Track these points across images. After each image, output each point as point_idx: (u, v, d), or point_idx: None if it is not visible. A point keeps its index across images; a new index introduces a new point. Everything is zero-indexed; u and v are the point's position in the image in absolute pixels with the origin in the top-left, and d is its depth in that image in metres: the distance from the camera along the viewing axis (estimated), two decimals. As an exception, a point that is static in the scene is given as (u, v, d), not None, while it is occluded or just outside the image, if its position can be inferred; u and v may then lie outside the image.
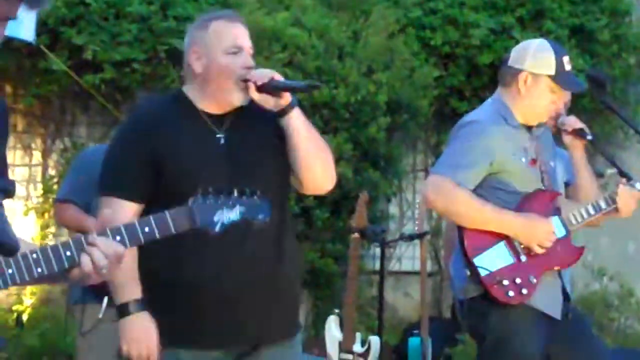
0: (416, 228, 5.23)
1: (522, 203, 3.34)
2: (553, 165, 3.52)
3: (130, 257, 2.46)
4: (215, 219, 1.95)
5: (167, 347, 2.66)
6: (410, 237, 5.08)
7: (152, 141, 2.55)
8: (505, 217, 3.31)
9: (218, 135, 2.59)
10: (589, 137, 3.59)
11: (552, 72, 3.26)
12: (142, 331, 2.59)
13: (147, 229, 1.82)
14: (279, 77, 2.56)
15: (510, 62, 3.35)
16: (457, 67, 6.78)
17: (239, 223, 2.03)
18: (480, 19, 6.64)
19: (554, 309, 3.44)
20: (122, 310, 2.57)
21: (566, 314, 3.51)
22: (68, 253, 1.74)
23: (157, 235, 1.86)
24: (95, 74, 5.81)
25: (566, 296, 3.56)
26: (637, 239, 7.38)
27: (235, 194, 1.98)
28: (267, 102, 2.57)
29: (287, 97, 2.57)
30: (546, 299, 3.48)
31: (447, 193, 3.15)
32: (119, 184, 2.51)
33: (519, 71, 3.28)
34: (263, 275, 2.63)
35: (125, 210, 2.35)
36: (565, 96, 3.57)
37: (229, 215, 1.96)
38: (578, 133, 3.57)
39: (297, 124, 2.61)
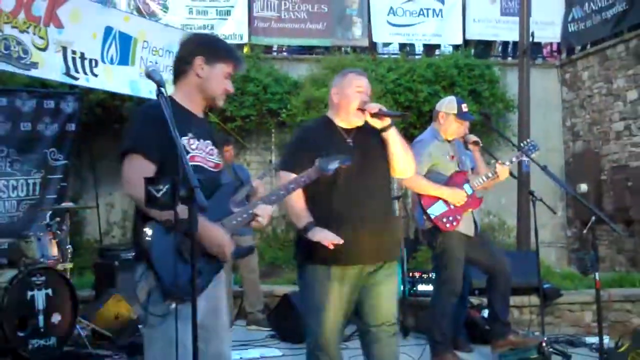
0: (396, 193, 7.74)
1: (449, 179, 5.08)
2: (463, 159, 5.19)
3: (300, 197, 3.46)
4: (328, 167, 3.14)
5: (321, 265, 3.49)
6: (395, 198, 6.60)
7: (311, 141, 3.51)
8: (441, 189, 4.99)
9: (348, 140, 3.58)
10: (481, 144, 5.38)
11: (456, 111, 5.06)
12: (323, 233, 3.43)
13: (291, 186, 3.08)
14: (383, 108, 3.50)
15: (436, 108, 5.12)
16: (413, 113, 9.66)
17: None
18: (424, 87, 9.92)
19: (470, 231, 5.12)
20: (305, 230, 3.47)
21: (477, 234, 5.21)
22: (250, 211, 2.90)
23: (306, 182, 3.06)
24: (231, 122, 10.07)
25: (476, 225, 5.22)
26: (506, 195, 9.33)
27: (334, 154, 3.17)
28: (375, 123, 3.54)
29: (387, 121, 3.52)
30: (466, 226, 5.13)
31: (413, 177, 4.17)
32: (292, 165, 3.45)
33: (439, 112, 5.08)
34: (383, 219, 3.56)
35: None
36: (466, 125, 5.22)
37: (334, 164, 3.15)
38: (475, 142, 5.35)
39: (393, 137, 3.56)
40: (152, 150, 2.78)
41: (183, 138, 2.81)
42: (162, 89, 2.77)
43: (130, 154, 2.80)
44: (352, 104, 3.54)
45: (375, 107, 3.50)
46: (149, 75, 2.83)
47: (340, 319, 3.55)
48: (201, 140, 2.94)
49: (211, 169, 2.97)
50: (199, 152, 2.91)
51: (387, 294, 3.61)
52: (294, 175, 3.23)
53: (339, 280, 3.49)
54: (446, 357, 5.25)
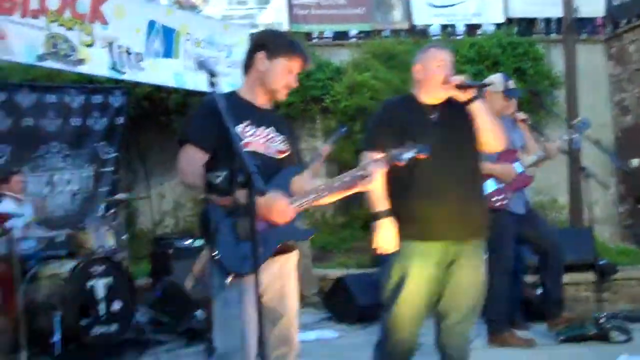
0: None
1: (498, 158, 4.95)
2: (512, 137, 5.02)
3: (379, 181, 3.29)
4: (402, 156, 3.10)
5: (403, 240, 3.42)
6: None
7: (393, 118, 3.49)
8: (492, 166, 4.88)
9: (432, 116, 3.52)
10: (529, 122, 5.39)
11: (502, 88, 5.09)
12: (388, 229, 3.41)
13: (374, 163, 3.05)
14: (467, 80, 3.41)
15: (488, 88, 4.87)
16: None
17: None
18: (467, 67, 9.64)
19: (521, 210, 5.15)
20: (376, 217, 3.45)
21: (527, 212, 5.21)
22: (359, 173, 3.01)
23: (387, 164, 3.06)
24: (276, 110, 10.15)
25: (526, 203, 5.25)
26: (557, 173, 8.76)
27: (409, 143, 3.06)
28: (460, 96, 3.44)
29: (472, 92, 3.41)
30: (516, 204, 5.15)
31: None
32: (376, 144, 3.40)
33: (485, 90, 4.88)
34: (468, 197, 3.48)
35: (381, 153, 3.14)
36: (513, 103, 5.19)
37: (408, 154, 3.10)
38: (524, 120, 5.32)
39: (479, 110, 3.46)
40: (204, 140, 2.89)
41: (238, 125, 2.90)
42: (214, 79, 2.84)
43: (184, 144, 2.94)
44: (435, 78, 3.49)
45: (458, 79, 3.45)
46: (201, 65, 2.88)
47: (421, 298, 3.48)
48: (261, 128, 3.00)
49: (271, 155, 3.02)
50: (256, 138, 2.96)
51: (468, 281, 3.52)
52: (377, 155, 3.20)
53: (421, 256, 3.43)
54: (503, 335, 5.25)
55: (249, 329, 2.85)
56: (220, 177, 2.83)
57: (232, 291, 2.85)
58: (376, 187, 3.41)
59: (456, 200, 3.42)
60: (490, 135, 3.48)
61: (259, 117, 3.01)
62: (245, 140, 2.92)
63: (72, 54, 6.84)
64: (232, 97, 3.04)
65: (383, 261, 3.56)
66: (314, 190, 3.01)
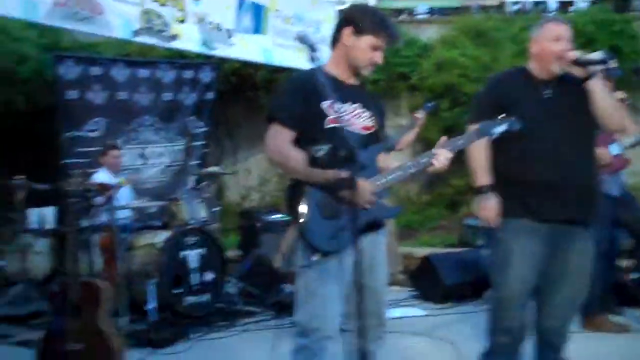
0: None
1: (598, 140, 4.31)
2: None
3: (481, 152, 3.43)
4: (492, 130, 3.05)
5: (511, 218, 3.41)
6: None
7: (503, 92, 3.43)
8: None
9: (545, 92, 3.42)
10: (628, 102, 5.08)
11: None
12: (488, 204, 3.42)
13: (460, 142, 2.96)
14: (585, 55, 3.28)
15: None
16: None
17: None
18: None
19: (615, 192, 5.09)
20: (478, 190, 3.46)
21: (622, 195, 5.18)
22: (425, 159, 2.91)
23: (465, 145, 3.00)
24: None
25: (621, 185, 5.19)
26: None
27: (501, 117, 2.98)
28: (577, 71, 3.32)
29: (590, 69, 3.28)
30: (610, 187, 5.01)
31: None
32: (479, 117, 3.27)
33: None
34: (581, 177, 3.37)
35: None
36: (612, 82, 4.53)
37: (499, 128, 3.06)
38: (622, 100, 4.92)
39: (596, 87, 3.31)
40: (291, 118, 2.92)
41: (324, 102, 2.90)
42: (314, 54, 2.85)
43: (272, 121, 2.96)
44: (550, 52, 3.40)
45: (575, 54, 3.35)
46: (301, 40, 2.90)
47: (527, 275, 3.41)
48: (348, 104, 2.99)
49: (357, 131, 3.01)
50: (342, 115, 2.95)
51: (574, 265, 3.47)
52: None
53: (529, 234, 3.37)
54: (597, 320, 5.17)
55: (331, 307, 2.89)
56: (322, 150, 2.90)
57: (316, 269, 2.88)
58: (477, 159, 3.41)
59: (567, 181, 3.33)
60: (608, 114, 3.36)
61: (345, 93, 2.99)
62: (331, 116, 2.92)
63: (166, 29, 6.96)
64: (320, 72, 2.98)
65: (489, 240, 3.56)
66: (399, 168, 2.99)
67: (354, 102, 3.03)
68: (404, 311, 6.04)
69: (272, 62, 8.13)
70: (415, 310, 6.08)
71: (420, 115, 6.73)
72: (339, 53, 3.08)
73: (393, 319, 5.59)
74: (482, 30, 9.93)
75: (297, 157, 2.90)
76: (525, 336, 3.56)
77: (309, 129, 2.92)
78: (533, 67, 3.51)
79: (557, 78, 3.44)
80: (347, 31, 3.03)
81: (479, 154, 3.46)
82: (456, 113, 8.82)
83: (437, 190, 9.83)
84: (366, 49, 3.01)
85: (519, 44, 9.03)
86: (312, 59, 2.84)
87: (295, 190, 2.90)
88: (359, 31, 3.02)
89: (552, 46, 3.39)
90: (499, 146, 3.40)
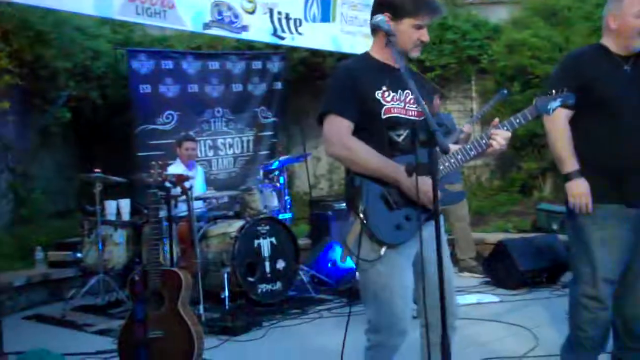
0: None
1: None
2: None
3: (567, 139, 3.34)
4: (548, 106, 2.92)
5: (601, 203, 3.32)
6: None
7: (579, 69, 3.33)
8: None
9: (625, 67, 3.35)
10: None
11: None
12: (582, 189, 3.31)
13: (517, 120, 2.87)
14: None
15: None
16: None
17: None
18: None
19: None
20: (567, 177, 3.34)
21: None
22: (484, 140, 2.84)
23: (523, 120, 2.87)
24: (431, 72, 10.05)
25: None
26: None
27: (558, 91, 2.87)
28: None
29: None
30: None
31: None
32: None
33: None
34: None
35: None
36: None
37: (554, 104, 2.93)
38: None
39: None
40: (347, 109, 2.83)
41: (377, 91, 2.84)
42: (392, 38, 2.82)
43: (327, 115, 2.86)
44: (632, 27, 3.29)
45: None
46: (377, 25, 2.88)
47: (615, 262, 3.28)
48: (399, 92, 2.91)
49: (412, 118, 2.93)
50: (396, 103, 2.88)
51: None
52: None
53: (619, 220, 3.27)
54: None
55: (401, 301, 2.82)
56: (402, 135, 2.86)
57: (382, 262, 2.80)
58: (560, 142, 3.29)
59: None
60: None
61: (395, 79, 2.88)
62: (386, 106, 2.85)
63: (236, 20, 7.07)
64: (367, 59, 2.96)
65: (570, 226, 3.44)
66: (459, 151, 2.91)
67: (404, 88, 2.92)
68: (478, 297, 5.99)
69: (340, 49, 8.16)
70: (489, 297, 6.03)
71: (467, 128, 6.50)
72: (381, 38, 2.95)
73: (466, 305, 5.62)
74: (554, 9, 9.68)
75: (366, 148, 2.81)
76: (610, 327, 3.46)
77: (365, 121, 2.84)
78: (610, 43, 3.40)
79: (636, 54, 3.35)
80: (385, 18, 2.90)
81: (563, 139, 3.34)
82: (528, 96, 8.64)
83: (508, 175, 9.69)
84: (409, 31, 2.89)
85: (593, 22, 8.80)
86: (388, 43, 2.81)
87: (354, 183, 2.84)
88: (396, 16, 2.90)
89: (633, 21, 3.29)
90: (581, 128, 3.30)
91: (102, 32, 9.30)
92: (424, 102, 2.64)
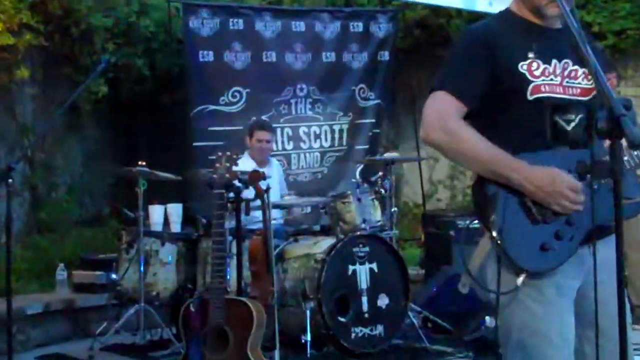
0: None
1: None
2: None
3: None
4: None
5: None
6: None
7: None
8: None
9: None
10: None
11: None
12: None
13: None
14: None
15: None
16: None
17: None
18: None
19: None
20: None
21: None
22: None
23: None
24: (601, 40, 9.52)
25: None
26: None
27: None
28: None
29: None
30: None
31: None
32: None
33: None
34: None
35: None
36: None
37: None
38: None
39: None
40: (467, 88, 2.85)
41: (522, 63, 2.85)
42: None
43: (436, 91, 2.88)
44: None
45: None
46: None
47: None
48: (553, 62, 2.90)
49: (574, 98, 2.92)
50: (549, 78, 2.88)
51: None
52: None
53: None
54: None
55: (555, 351, 2.80)
56: (573, 121, 2.83)
57: (525, 295, 2.80)
58: None
59: None
60: None
61: (548, 44, 2.90)
62: (534, 82, 2.85)
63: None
64: (507, 19, 2.98)
65: None
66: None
67: (562, 57, 2.92)
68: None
69: (473, 7, 8.13)
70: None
71: None
72: None
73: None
74: None
75: (476, 136, 2.81)
76: None
77: (504, 103, 2.85)
78: None
79: None
80: None
81: None
82: None
83: None
84: None
85: None
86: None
87: (486, 191, 2.84)
88: None
89: None
90: None
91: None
92: (604, 76, 2.57)
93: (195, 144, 8.27)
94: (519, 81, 2.82)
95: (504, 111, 2.85)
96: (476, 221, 7.21)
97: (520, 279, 2.77)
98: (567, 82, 2.90)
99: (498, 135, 2.81)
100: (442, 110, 2.82)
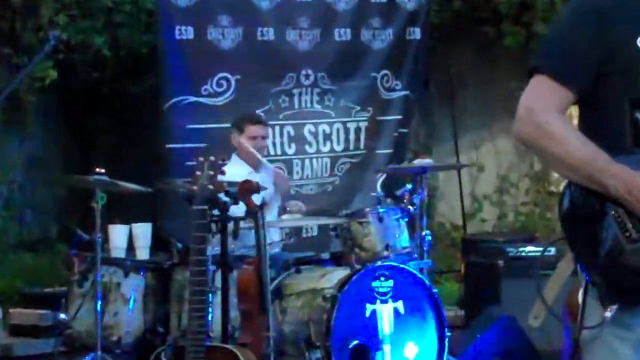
0: None
1: None
2: None
3: None
4: None
5: None
6: None
7: None
8: None
9: None
10: None
11: None
12: None
13: None
14: None
15: None
16: None
17: None
18: None
19: None
20: None
21: None
22: None
23: None
24: None
25: None
26: None
27: None
28: None
29: None
30: None
31: None
32: None
33: None
34: None
35: None
36: None
37: None
38: None
39: None
40: (575, 70, 2.88)
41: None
42: None
43: (536, 74, 2.93)
44: None
45: None
46: None
47: None
48: None
49: None
50: None
51: None
52: None
53: None
54: None
55: None
56: None
57: (612, 335, 2.85)
58: None
59: None
60: None
61: None
62: None
63: None
64: None
65: None
66: None
67: None
68: None
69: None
70: None
71: None
72: None
73: None
74: None
75: (568, 133, 2.85)
76: None
77: (616, 90, 2.87)
78: None
79: None
80: None
81: None
82: None
83: None
84: None
85: None
86: None
87: (588, 199, 2.85)
88: None
89: None
90: None
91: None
92: None
93: (168, 145, 8.23)
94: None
95: (627, 100, 2.86)
96: (534, 248, 7.16)
97: (609, 311, 2.81)
98: None
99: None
100: (537, 99, 2.89)
